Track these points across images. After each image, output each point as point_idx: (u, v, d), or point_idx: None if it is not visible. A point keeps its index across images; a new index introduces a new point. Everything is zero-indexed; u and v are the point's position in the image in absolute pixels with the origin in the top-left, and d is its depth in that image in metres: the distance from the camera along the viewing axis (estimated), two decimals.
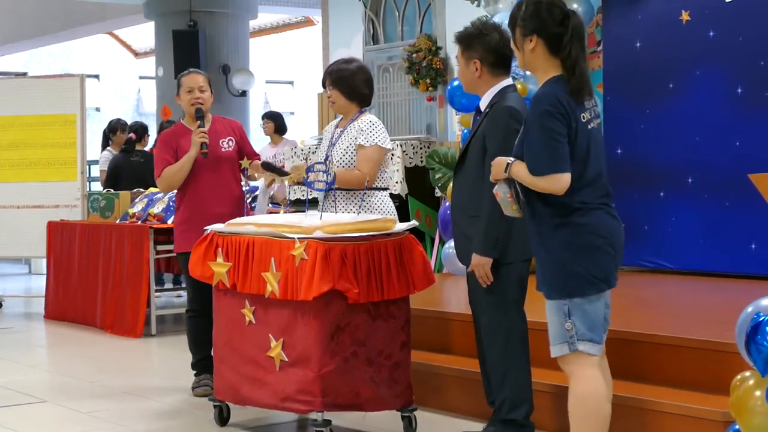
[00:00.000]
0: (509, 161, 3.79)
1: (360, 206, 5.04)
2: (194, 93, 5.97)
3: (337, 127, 5.31)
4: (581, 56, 3.77)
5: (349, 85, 5.22)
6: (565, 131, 3.72)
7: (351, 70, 5.25)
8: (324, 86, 5.36)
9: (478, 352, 4.71)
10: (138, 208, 8.43)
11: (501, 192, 3.83)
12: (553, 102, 3.72)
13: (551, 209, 3.78)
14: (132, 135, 10.05)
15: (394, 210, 5.26)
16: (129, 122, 11.42)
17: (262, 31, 20.44)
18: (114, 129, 10.78)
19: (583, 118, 3.78)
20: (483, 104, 4.51)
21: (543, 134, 3.71)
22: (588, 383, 3.81)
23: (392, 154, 5.04)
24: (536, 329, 4.56)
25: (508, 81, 4.53)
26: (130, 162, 10.04)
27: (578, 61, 3.76)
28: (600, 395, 3.81)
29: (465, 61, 4.54)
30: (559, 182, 3.69)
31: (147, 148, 10.66)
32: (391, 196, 9.08)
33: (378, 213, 5.08)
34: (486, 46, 4.48)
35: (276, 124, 11.35)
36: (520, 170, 3.76)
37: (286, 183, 5.39)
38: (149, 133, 10.38)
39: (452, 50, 9.80)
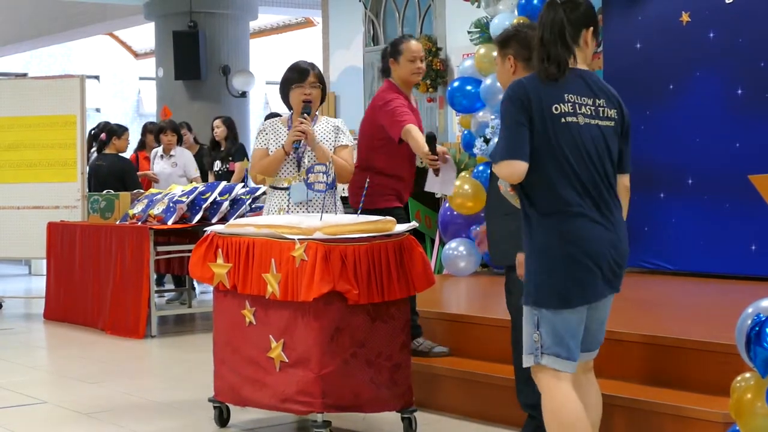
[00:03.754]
0: None
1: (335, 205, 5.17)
2: (416, 63, 5.69)
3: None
4: (548, 33, 3.64)
5: (324, 85, 5.37)
6: (524, 119, 3.58)
7: None
8: (301, 83, 5.23)
9: (514, 353, 4.63)
10: (138, 209, 8.43)
11: (502, 185, 3.79)
12: (515, 87, 3.63)
13: (531, 209, 3.66)
14: (103, 136, 9.96)
15: (343, 209, 5.37)
16: (129, 123, 11.40)
17: (262, 32, 20.43)
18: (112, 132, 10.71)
19: (556, 110, 3.60)
20: None
21: (503, 121, 3.62)
22: (554, 401, 3.65)
23: None
24: None
25: None
26: (96, 166, 9.98)
27: (543, 38, 3.64)
28: (569, 413, 3.63)
29: (501, 59, 4.52)
30: (508, 168, 3.58)
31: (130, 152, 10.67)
32: None
33: (333, 212, 5.14)
34: (520, 42, 4.47)
35: None
36: (493, 165, 3.72)
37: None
38: (119, 136, 10.17)
39: (452, 51, 9.83)
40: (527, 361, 3.71)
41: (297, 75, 5.24)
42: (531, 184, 3.64)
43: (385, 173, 5.58)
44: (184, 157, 10.26)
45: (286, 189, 5.19)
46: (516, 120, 3.58)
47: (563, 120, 3.61)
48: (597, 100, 3.71)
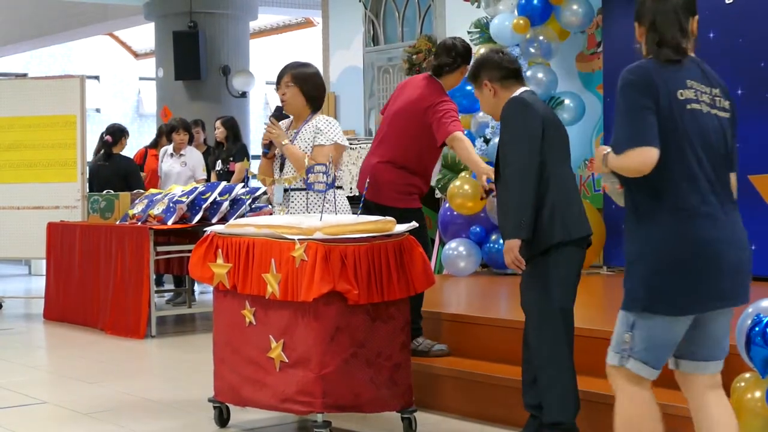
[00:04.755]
0: (606, 151, 3.37)
1: (333, 207, 5.13)
2: None
3: (288, 128, 5.36)
4: (661, 18, 3.43)
5: (309, 85, 5.28)
6: (651, 104, 3.24)
7: (312, 72, 5.34)
8: (278, 84, 5.31)
9: (523, 352, 4.64)
10: (138, 209, 8.43)
11: (609, 184, 3.44)
12: (636, 70, 3.35)
13: (643, 206, 3.29)
14: (108, 138, 9.97)
15: (350, 209, 5.35)
16: (129, 123, 11.40)
17: (262, 32, 20.44)
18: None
19: (681, 95, 3.29)
20: None
21: (624, 107, 3.27)
22: (633, 407, 3.38)
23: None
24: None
25: (523, 89, 4.62)
26: (97, 166, 9.99)
27: (655, 22, 3.43)
28: (647, 421, 3.38)
29: (479, 90, 4.66)
30: (639, 157, 3.19)
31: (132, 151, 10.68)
32: None
33: (339, 212, 5.16)
34: (489, 66, 4.62)
35: None
36: (611, 158, 3.33)
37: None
38: (127, 135, 10.18)
39: None
40: (611, 359, 3.42)
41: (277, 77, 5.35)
42: (645, 178, 3.26)
43: (418, 173, 5.59)
44: (194, 157, 10.18)
45: (285, 190, 5.24)
46: (641, 104, 3.24)
47: (688, 107, 3.30)
48: (713, 90, 3.43)
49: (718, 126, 3.36)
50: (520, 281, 4.62)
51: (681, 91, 3.28)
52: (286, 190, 5.24)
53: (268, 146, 5.31)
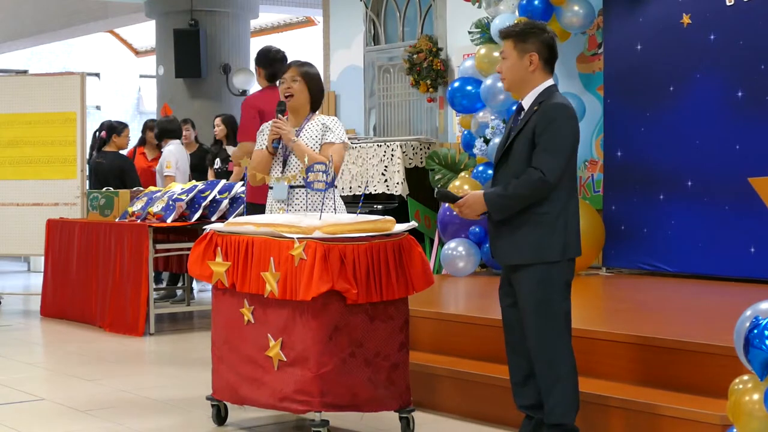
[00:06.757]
0: None
1: (333, 205, 5.15)
2: None
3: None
4: None
5: (315, 84, 5.36)
6: None
7: (316, 72, 5.43)
8: (280, 78, 5.37)
9: (508, 355, 4.61)
10: (137, 206, 8.43)
11: None
12: None
13: None
14: (103, 134, 9.96)
15: (345, 209, 5.40)
16: (129, 120, 11.39)
17: (263, 31, 20.42)
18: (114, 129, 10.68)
19: None
20: (527, 102, 4.44)
21: None
22: None
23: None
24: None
25: (551, 81, 4.49)
26: (95, 163, 9.98)
27: None
28: None
29: (518, 54, 4.42)
30: None
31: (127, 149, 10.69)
32: (391, 196, 9.11)
33: (341, 212, 5.19)
34: (542, 40, 4.43)
35: None
36: None
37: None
38: (119, 133, 10.13)
39: (453, 52, 9.83)
40: None
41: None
42: None
43: None
44: (165, 152, 10.07)
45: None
46: None
47: None
48: None
49: None
50: (499, 286, 4.59)
51: None
52: (291, 187, 5.23)
53: (278, 141, 5.28)
